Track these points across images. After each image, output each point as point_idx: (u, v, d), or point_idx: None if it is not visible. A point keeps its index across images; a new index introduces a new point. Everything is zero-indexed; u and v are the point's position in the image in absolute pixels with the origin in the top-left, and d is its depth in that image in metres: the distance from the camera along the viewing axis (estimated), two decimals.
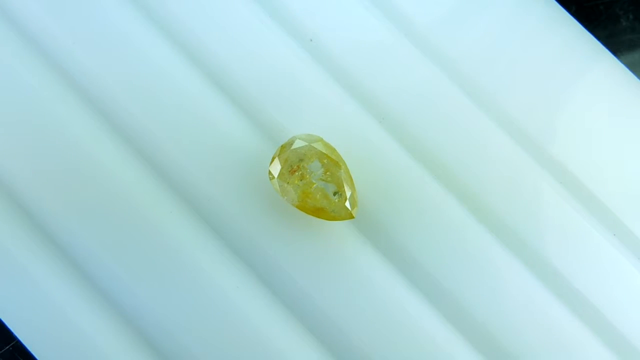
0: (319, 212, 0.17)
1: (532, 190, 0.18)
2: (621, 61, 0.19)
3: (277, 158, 0.17)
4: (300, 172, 0.16)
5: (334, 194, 0.16)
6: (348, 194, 0.16)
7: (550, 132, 0.19)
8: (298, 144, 0.17)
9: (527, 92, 0.19)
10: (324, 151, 0.17)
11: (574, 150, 0.19)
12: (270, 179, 0.17)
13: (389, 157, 0.18)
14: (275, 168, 0.17)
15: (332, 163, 0.17)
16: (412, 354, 0.17)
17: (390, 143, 0.18)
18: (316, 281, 0.17)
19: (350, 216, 0.17)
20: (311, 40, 0.19)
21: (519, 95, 0.19)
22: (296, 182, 0.16)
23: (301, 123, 0.18)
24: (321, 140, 0.17)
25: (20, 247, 0.17)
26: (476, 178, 0.18)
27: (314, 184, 0.16)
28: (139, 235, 0.17)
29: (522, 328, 0.17)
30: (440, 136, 0.19)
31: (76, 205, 0.17)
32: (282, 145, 0.17)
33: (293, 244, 0.18)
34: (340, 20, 0.19)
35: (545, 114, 0.19)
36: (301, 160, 0.16)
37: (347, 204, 0.16)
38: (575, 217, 0.18)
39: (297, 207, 0.17)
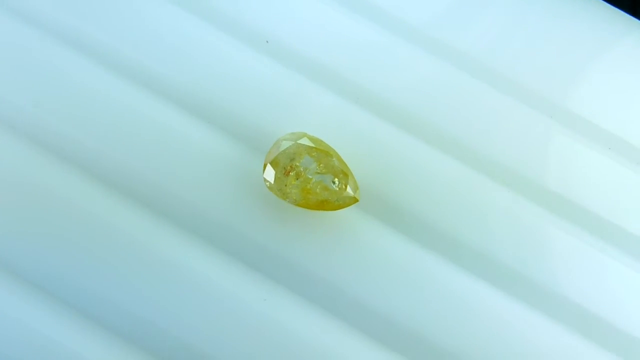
0: (323, 205, 0.17)
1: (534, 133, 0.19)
2: None
3: (268, 164, 0.17)
4: (295, 171, 0.16)
5: (333, 182, 0.16)
6: (347, 179, 0.17)
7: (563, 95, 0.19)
8: (284, 145, 0.17)
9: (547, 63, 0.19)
10: (311, 145, 0.17)
11: (591, 113, 0.19)
12: (268, 186, 0.17)
13: (374, 134, 0.19)
14: (270, 174, 0.17)
15: (322, 154, 0.17)
16: (448, 313, 0.17)
17: (371, 120, 0.19)
18: (340, 271, 0.18)
19: (354, 200, 0.17)
20: (267, 41, 0.19)
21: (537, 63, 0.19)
22: (293, 182, 0.16)
23: (280, 124, 0.18)
24: (305, 135, 0.17)
25: None
26: (468, 131, 0.19)
27: (312, 179, 0.16)
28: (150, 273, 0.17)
29: (540, 265, 0.18)
30: (421, 101, 0.19)
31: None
32: (269, 151, 0.17)
33: (307, 242, 0.18)
34: (292, 17, 0.19)
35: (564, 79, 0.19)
36: (292, 159, 0.16)
37: (349, 189, 0.17)
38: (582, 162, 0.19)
39: (301, 205, 0.17)
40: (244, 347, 0.17)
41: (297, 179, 0.16)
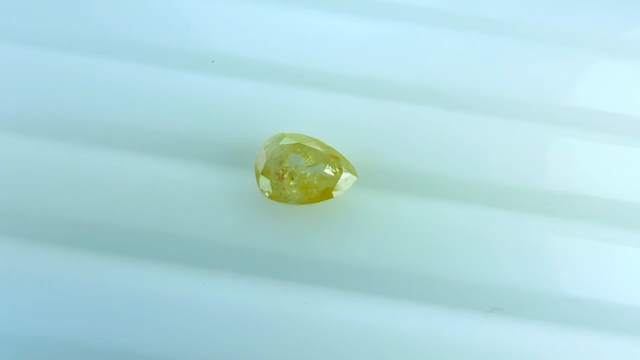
0: (326, 194, 0.17)
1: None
2: None
3: (260, 175, 0.17)
4: (288, 172, 0.16)
5: (328, 169, 0.16)
6: (339, 161, 0.17)
7: None
8: (268, 151, 0.17)
9: None
10: (293, 142, 0.17)
11: None
12: (268, 196, 0.17)
13: (346, 111, 0.19)
14: (265, 184, 0.17)
15: (306, 147, 0.17)
16: (472, 247, 0.18)
17: (337, 98, 0.19)
18: (365, 250, 0.18)
19: (353, 178, 0.17)
20: (212, 61, 0.19)
21: None
22: (290, 182, 0.16)
23: (255, 133, 0.18)
24: (284, 135, 0.17)
25: None
26: (432, 75, 0.19)
27: (306, 173, 0.16)
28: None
29: (537, 174, 0.18)
30: (376, 63, 0.19)
31: None
32: (256, 162, 0.17)
33: (324, 235, 0.18)
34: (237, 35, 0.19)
35: None
36: (281, 162, 0.16)
37: (344, 169, 0.17)
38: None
39: (305, 202, 0.17)
40: (303, 353, 0.17)
41: (293, 178, 0.16)
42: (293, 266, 0.17)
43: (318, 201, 0.17)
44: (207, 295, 0.17)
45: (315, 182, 0.16)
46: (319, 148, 0.17)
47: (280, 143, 0.17)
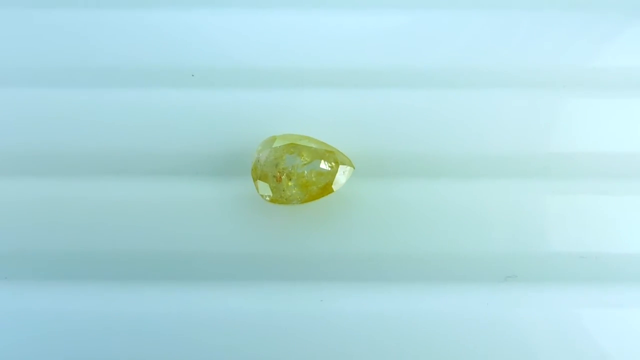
0: (325, 190, 0.17)
1: None
2: None
3: (258, 181, 0.17)
4: (285, 174, 0.16)
5: (324, 165, 0.16)
6: (334, 155, 0.17)
7: None
8: (263, 155, 0.17)
9: None
10: (285, 143, 0.17)
11: None
12: (269, 200, 0.17)
13: (332, 104, 0.19)
14: (265, 189, 0.16)
15: (300, 146, 0.17)
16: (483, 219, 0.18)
17: (320, 94, 0.19)
18: (374, 239, 0.18)
19: (351, 170, 0.17)
20: (193, 75, 0.19)
21: None
22: (289, 183, 0.16)
23: (246, 140, 0.18)
24: (274, 137, 0.17)
25: None
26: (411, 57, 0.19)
27: (304, 172, 0.16)
28: None
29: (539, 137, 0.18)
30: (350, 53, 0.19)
31: None
32: (252, 168, 0.17)
33: (331, 231, 0.18)
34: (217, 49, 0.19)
35: None
36: (277, 165, 0.16)
37: (340, 162, 0.17)
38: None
39: (306, 200, 0.17)
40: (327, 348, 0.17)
41: (291, 179, 0.16)
42: (305, 266, 0.17)
43: (319, 197, 0.17)
44: (224, 307, 0.17)
45: (314, 178, 0.16)
46: (312, 145, 0.17)
47: (273, 146, 0.17)
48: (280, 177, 0.16)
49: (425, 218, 0.18)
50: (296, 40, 0.19)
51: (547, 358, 0.17)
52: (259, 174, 0.16)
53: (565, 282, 0.17)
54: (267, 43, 0.19)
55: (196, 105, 0.19)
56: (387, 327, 0.17)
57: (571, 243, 0.18)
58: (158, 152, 0.18)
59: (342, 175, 0.17)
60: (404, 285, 0.17)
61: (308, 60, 0.19)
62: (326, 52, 0.19)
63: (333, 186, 0.17)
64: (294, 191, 0.16)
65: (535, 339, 0.17)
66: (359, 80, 0.19)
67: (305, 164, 0.16)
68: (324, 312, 0.17)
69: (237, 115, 0.18)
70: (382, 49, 0.19)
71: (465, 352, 0.17)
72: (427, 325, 0.17)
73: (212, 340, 0.17)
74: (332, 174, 0.16)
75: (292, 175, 0.16)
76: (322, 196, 0.17)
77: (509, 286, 0.17)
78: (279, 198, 0.16)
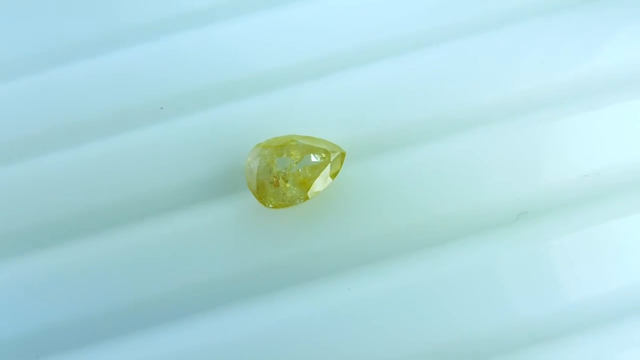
0: (323, 181, 0.17)
1: None
2: None
3: (256, 192, 0.17)
4: (281, 177, 0.16)
5: (315, 158, 0.16)
6: (321, 145, 0.17)
7: None
8: (253, 166, 0.16)
9: None
10: (272, 146, 0.17)
11: None
12: (273, 207, 0.17)
13: (308, 96, 0.19)
14: (266, 197, 0.16)
15: (286, 147, 0.17)
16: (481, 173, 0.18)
17: (299, 87, 0.19)
18: (382, 219, 0.18)
19: (342, 156, 0.17)
20: (162, 108, 0.19)
21: None
22: (287, 185, 0.16)
23: (234, 157, 0.18)
24: (259, 145, 0.17)
25: None
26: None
27: (298, 170, 0.16)
28: None
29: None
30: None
31: None
32: (248, 182, 0.17)
33: (338, 223, 0.18)
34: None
35: None
36: (270, 170, 0.16)
37: (330, 150, 0.17)
38: None
39: (308, 198, 0.17)
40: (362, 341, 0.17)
41: (287, 180, 0.16)
42: (324, 260, 0.17)
43: (320, 190, 0.17)
44: (258, 324, 0.17)
45: (309, 174, 0.16)
46: (298, 142, 0.17)
47: (261, 154, 0.17)
48: (277, 182, 0.16)
49: (429, 183, 0.18)
50: (249, 48, 0.19)
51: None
52: (256, 185, 0.16)
53: (572, 204, 0.17)
54: (222, 57, 0.19)
55: (172, 135, 0.18)
56: (417, 296, 0.17)
57: (571, 165, 0.18)
58: (147, 193, 0.18)
59: (336, 163, 0.17)
60: (423, 252, 0.17)
61: (267, 63, 0.19)
62: (284, 49, 0.19)
63: (330, 175, 0.17)
64: (294, 191, 0.16)
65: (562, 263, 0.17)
66: (323, 69, 0.19)
67: (297, 162, 0.16)
68: (353, 299, 0.17)
69: (216, 134, 0.18)
70: (336, 33, 0.19)
71: (496, 297, 0.17)
72: (454, 283, 0.17)
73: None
74: (325, 163, 0.17)
75: (288, 176, 0.16)
76: (322, 188, 0.17)
77: (523, 224, 0.18)
78: (281, 202, 0.16)
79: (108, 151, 0.18)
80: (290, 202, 0.17)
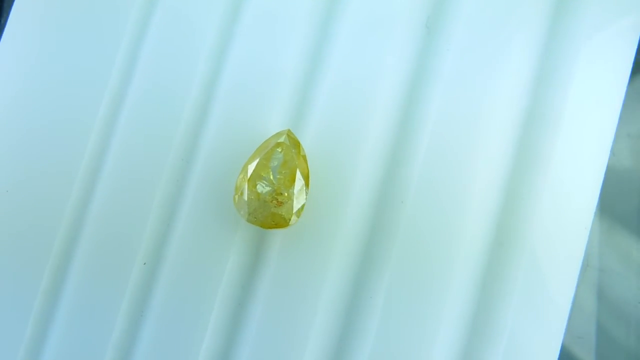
0: (308, 176, 0.17)
1: None
2: None
3: (270, 219, 0.16)
4: (274, 188, 0.16)
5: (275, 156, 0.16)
6: (282, 147, 0.16)
7: None
8: (246, 196, 0.16)
9: None
10: (249, 177, 0.16)
11: None
12: (291, 223, 0.16)
13: (267, 104, 0.18)
14: (283, 214, 0.16)
15: (263, 156, 0.16)
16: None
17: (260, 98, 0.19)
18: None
19: (304, 159, 0.17)
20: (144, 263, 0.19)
21: None
22: (282, 186, 0.16)
23: (223, 189, 0.18)
24: (237, 182, 0.17)
25: None
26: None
27: (279, 175, 0.16)
28: None
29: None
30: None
31: None
32: (259, 225, 0.17)
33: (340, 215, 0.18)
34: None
35: None
36: (258, 195, 0.16)
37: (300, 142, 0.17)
38: None
39: (309, 196, 0.17)
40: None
41: (275, 182, 0.16)
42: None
43: (307, 181, 0.17)
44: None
45: (289, 169, 0.16)
46: (257, 160, 0.16)
47: (245, 190, 0.16)
48: (280, 201, 0.16)
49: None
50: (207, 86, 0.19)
51: None
52: (267, 220, 0.16)
53: None
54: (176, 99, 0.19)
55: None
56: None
57: None
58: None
59: (301, 162, 0.17)
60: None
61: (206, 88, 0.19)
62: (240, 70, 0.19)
63: (307, 175, 0.17)
64: (294, 193, 0.16)
65: None
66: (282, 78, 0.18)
67: (279, 175, 0.16)
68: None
69: (199, 177, 0.18)
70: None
71: None
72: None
73: None
74: (290, 161, 0.16)
75: (280, 186, 0.16)
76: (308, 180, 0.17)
77: (429, 35, 0.18)
78: (291, 210, 0.16)
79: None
80: (296, 212, 0.16)
